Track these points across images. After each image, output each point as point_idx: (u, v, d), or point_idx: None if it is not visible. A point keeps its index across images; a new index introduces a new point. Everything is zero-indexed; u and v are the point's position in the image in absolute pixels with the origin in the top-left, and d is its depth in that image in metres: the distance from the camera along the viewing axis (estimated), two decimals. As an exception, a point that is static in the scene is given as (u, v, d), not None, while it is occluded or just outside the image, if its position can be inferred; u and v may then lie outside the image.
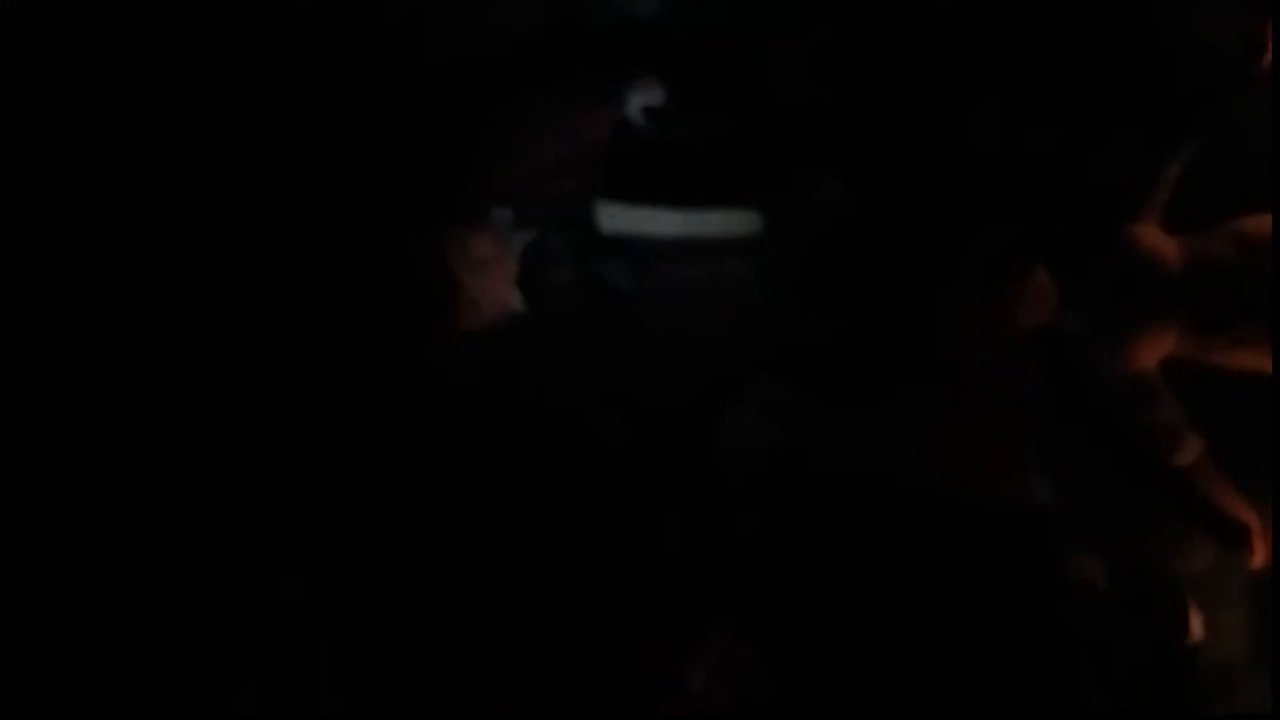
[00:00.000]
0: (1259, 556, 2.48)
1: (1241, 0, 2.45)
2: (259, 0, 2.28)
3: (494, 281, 2.21)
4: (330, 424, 2.25)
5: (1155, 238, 2.43)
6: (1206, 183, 2.45)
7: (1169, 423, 2.44)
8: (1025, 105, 2.59)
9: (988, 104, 2.60)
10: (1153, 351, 2.44)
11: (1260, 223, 2.40)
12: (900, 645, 2.40)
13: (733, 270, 2.62)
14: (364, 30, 2.39)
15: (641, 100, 2.49)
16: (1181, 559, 2.54)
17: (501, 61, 2.48)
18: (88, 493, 2.17)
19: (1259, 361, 2.39)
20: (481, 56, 2.46)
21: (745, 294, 2.64)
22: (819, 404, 2.63)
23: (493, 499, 2.34)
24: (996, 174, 2.61)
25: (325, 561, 2.29)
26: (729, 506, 2.55)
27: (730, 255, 2.61)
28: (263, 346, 2.22)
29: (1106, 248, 2.44)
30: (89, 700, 2.08)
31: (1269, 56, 2.38)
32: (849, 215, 2.65)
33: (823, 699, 2.35)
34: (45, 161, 2.20)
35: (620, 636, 2.33)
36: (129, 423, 2.18)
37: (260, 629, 2.22)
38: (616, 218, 2.63)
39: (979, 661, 2.37)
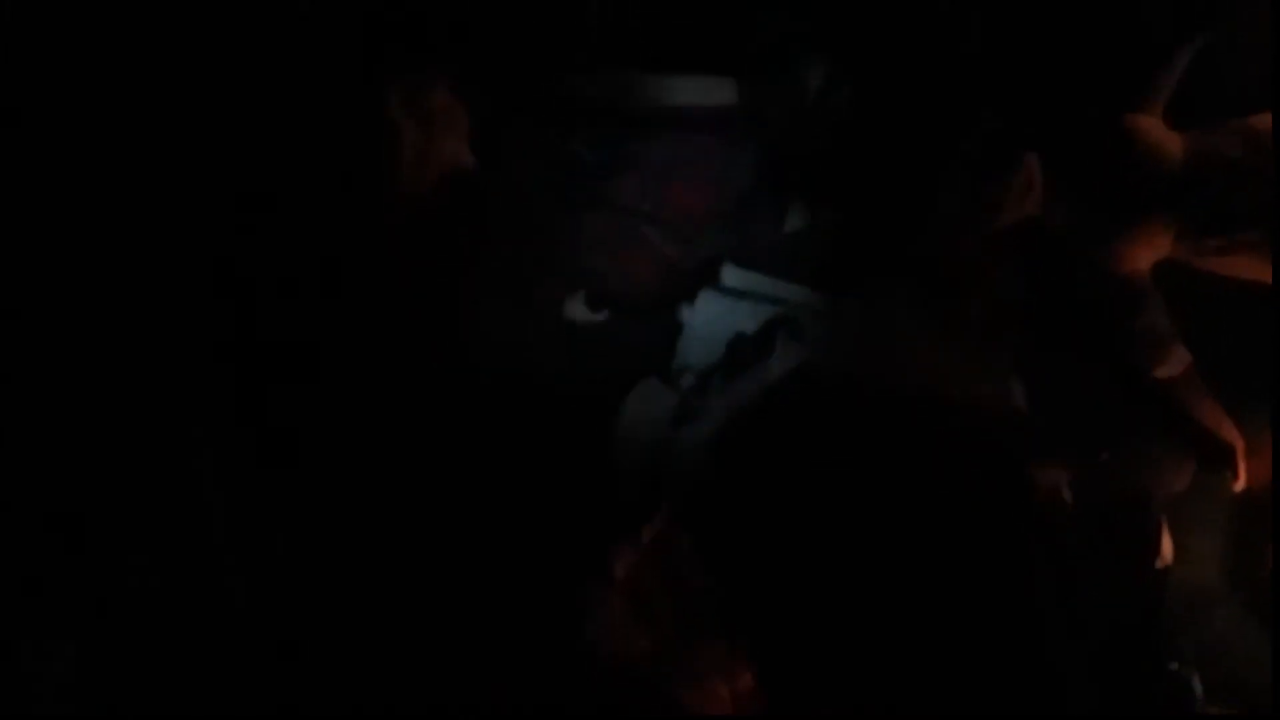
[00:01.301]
0: (1241, 479, 2.34)
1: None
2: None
3: (441, 136, 2.00)
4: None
5: (1157, 131, 2.28)
6: (1213, 77, 2.29)
7: (1156, 331, 2.30)
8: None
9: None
10: (1146, 253, 2.30)
11: (1268, 120, 2.23)
12: (851, 544, 2.26)
13: (704, 145, 2.45)
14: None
15: None
16: (1159, 478, 2.40)
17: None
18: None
19: (1257, 269, 2.24)
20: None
21: (717, 173, 2.48)
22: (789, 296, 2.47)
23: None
24: (990, 62, 2.43)
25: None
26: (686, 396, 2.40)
27: (704, 129, 2.45)
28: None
29: (1104, 139, 2.27)
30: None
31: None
32: (834, 99, 2.48)
33: (766, 594, 2.22)
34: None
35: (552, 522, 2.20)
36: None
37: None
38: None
39: (932, 565, 2.23)
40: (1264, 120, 2.24)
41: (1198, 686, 2.36)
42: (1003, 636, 2.24)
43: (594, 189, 2.48)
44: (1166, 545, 2.34)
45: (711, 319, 2.46)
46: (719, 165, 2.47)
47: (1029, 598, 2.24)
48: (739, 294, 2.47)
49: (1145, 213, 2.27)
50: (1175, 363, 2.31)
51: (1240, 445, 2.34)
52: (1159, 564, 2.33)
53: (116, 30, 2.07)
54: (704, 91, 2.45)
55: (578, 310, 2.39)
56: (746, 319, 2.42)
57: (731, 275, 2.47)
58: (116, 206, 2.08)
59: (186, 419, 2.08)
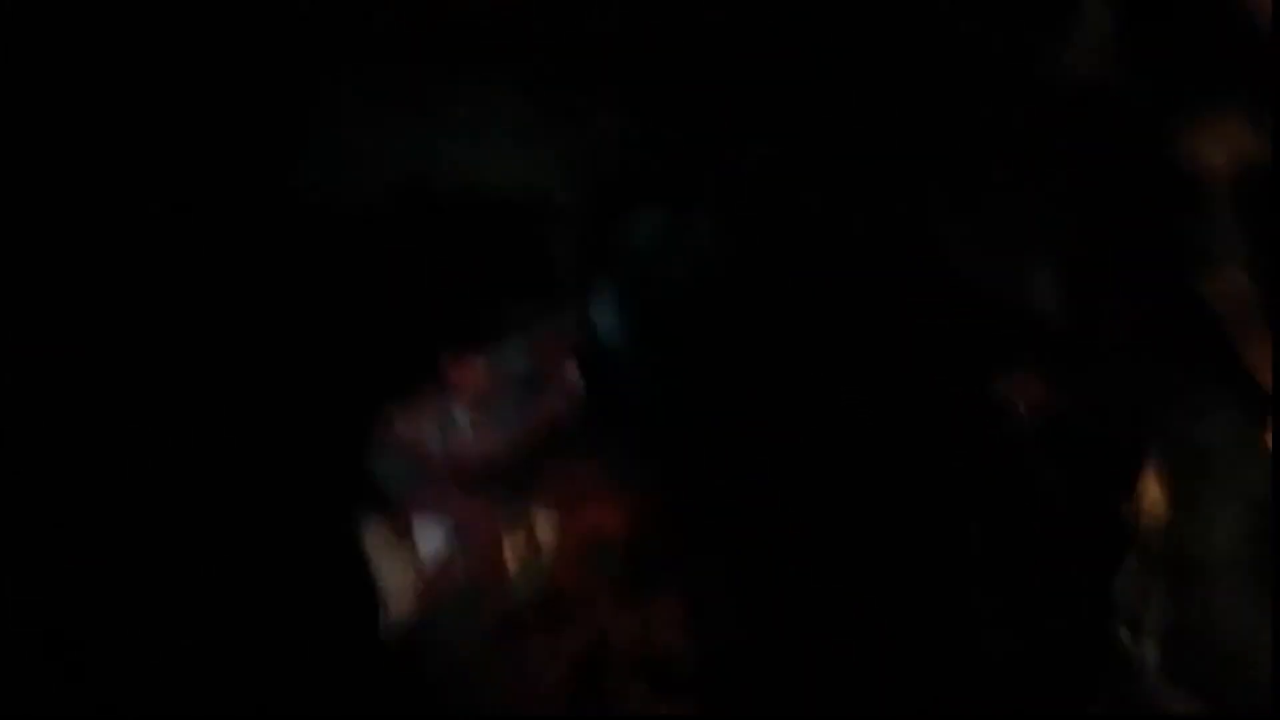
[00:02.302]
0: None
1: None
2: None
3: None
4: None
5: None
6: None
7: (1211, 239, 1.88)
8: None
9: None
10: (1220, 146, 1.86)
11: None
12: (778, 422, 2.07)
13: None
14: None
15: None
16: (1180, 416, 2.01)
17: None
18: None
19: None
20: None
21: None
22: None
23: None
24: None
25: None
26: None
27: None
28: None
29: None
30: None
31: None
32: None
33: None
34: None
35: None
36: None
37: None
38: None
39: (855, 454, 2.02)
40: None
41: (1149, 660, 2.03)
42: (916, 545, 2.03)
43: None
44: (1152, 493, 1.97)
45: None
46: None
47: (950, 509, 1.99)
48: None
49: (1227, 93, 1.82)
50: (1227, 286, 1.89)
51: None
52: (1131, 512, 1.97)
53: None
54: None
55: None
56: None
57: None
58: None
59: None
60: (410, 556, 1.91)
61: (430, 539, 1.94)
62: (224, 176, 2.08)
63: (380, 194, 2.11)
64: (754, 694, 2.12)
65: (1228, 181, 1.86)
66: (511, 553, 1.99)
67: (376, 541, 1.89)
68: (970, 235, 2.01)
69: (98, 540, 1.88)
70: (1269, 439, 1.95)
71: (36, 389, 1.93)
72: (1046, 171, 2.01)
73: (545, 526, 2.04)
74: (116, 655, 1.85)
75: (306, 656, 1.84)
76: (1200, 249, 1.90)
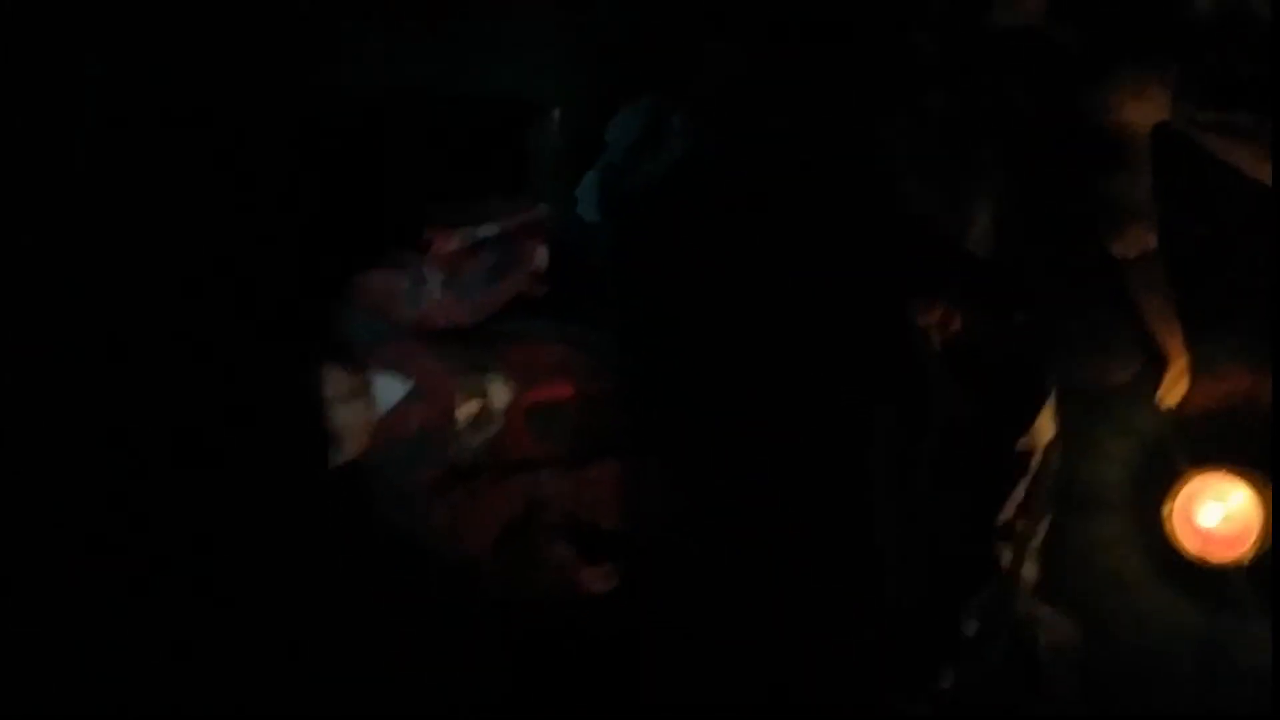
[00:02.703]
0: (1166, 397, 2.07)
1: None
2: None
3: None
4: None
5: None
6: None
7: (1126, 199, 2.02)
8: None
9: None
10: (1140, 105, 1.99)
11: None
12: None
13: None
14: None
15: None
16: (1095, 360, 2.15)
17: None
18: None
19: (1251, 162, 1.88)
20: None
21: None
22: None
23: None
24: None
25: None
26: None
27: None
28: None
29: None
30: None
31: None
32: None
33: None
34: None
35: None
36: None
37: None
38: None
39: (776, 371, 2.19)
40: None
41: (1027, 579, 2.20)
42: (827, 440, 2.20)
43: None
44: (1045, 426, 2.12)
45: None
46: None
47: (859, 414, 2.16)
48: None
49: (1148, 57, 1.93)
50: (1133, 243, 2.02)
51: (1180, 359, 2.05)
52: (1026, 443, 2.13)
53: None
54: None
55: None
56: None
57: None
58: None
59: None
60: (366, 404, 2.11)
61: (388, 390, 2.14)
62: (255, 69, 2.31)
63: (395, 90, 2.33)
64: (671, 567, 2.34)
65: (1145, 142, 1.97)
66: (463, 413, 2.19)
67: (336, 388, 2.08)
68: (918, 170, 2.14)
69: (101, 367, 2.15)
70: (1162, 385, 2.09)
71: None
72: (991, 118, 2.14)
73: (500, 394, 2.24)
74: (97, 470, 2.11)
75: (261, 484, 2.07)
76: (1116, 205, 2.02)
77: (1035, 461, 2.14)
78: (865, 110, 2.18)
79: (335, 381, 2.07)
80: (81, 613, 2.03)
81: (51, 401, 2.07)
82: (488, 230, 2.28)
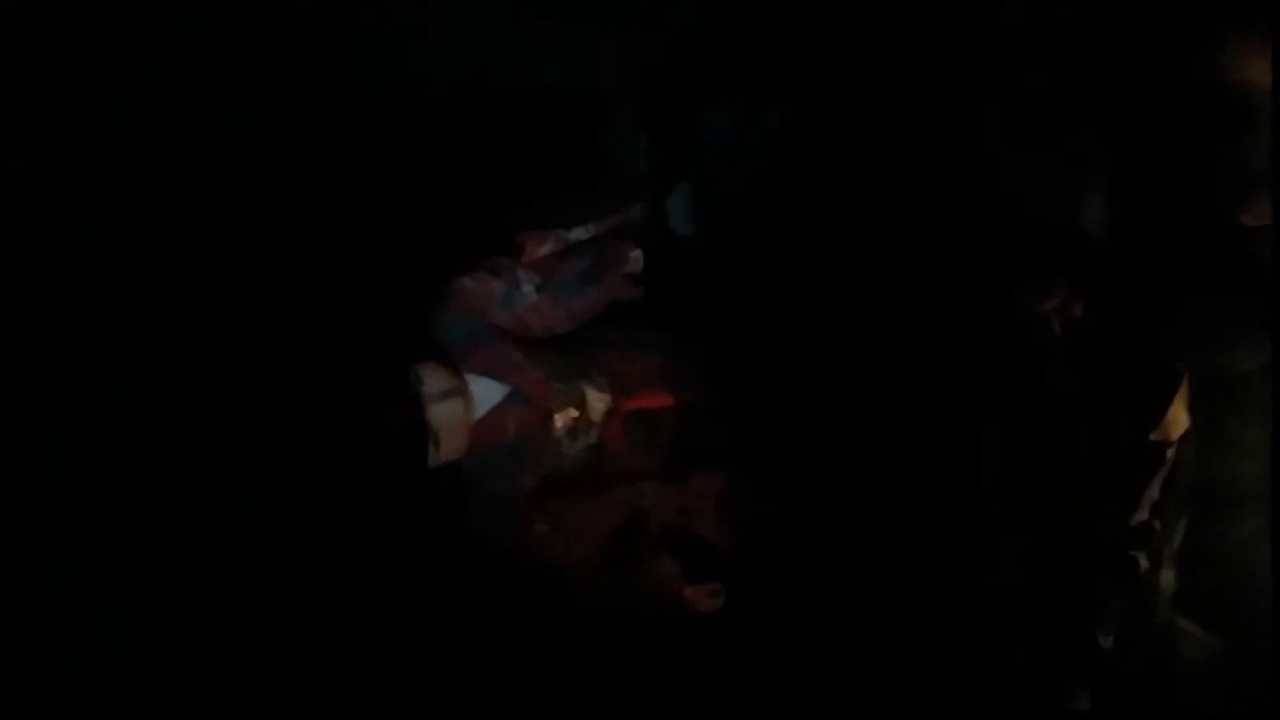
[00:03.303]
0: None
1: None
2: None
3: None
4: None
5: None
6: None
7: (1254, 165, 1.92)
8: None
9: None
10: (1267, 64, 1.89)
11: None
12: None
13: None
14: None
15: None
16: (1219, 345, 2.05)
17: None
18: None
19: None
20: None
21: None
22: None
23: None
24: None
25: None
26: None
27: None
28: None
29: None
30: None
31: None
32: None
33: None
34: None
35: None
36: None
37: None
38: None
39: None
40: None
41: (1166, 588, 2.06)
42: (940, 449, 2.10)
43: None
44: (1178, 416, 2.00)
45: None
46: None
47: (975, 415, 2.06)
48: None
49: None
50: (1260, 211, 1.93)
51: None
52: (1159, 438, 2.01)
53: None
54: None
55: None
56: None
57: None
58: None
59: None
60: (464, 404, 2.05)
61: (485, 392, 2.08)
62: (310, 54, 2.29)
63: (459, 83, 2.30)
64: (777, 581, 2.22)
65: (1266, 101, 1.88)
66: (561, 420, 2.12)
67: (433, 386, 2.02)
68: (1026, 151, 2.07)
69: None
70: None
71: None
72: (1102, 94, 2.07)
73: (598, 402, 2.17)
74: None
75: (361, 481, 2.00)
76: (1242, 171, 1.93)
77: (1170, 455, 2.02)
78: (966, 93, 2.12)
79: (432, 379, 2.01)
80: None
81: (148, 396, 2.01)
82: (580, 233, 2.24)
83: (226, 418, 2.00)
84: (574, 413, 2.13)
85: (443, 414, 2.01)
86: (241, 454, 1.98)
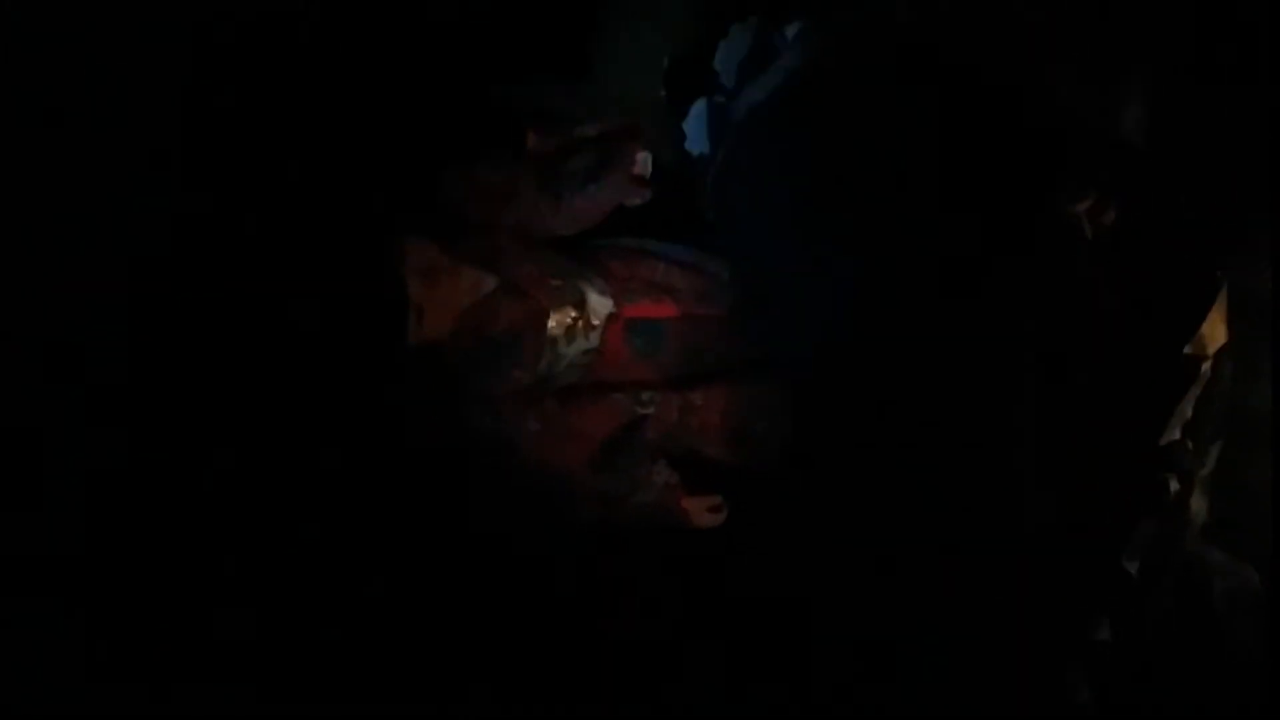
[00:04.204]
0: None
1: None
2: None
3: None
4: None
5: None
6: None
7: None
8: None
9: None
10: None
11: None
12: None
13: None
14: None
15: None
16: (1247, 260, 1.93)
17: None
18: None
19: None
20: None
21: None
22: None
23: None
24: None
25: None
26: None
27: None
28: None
29: None
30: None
31: None
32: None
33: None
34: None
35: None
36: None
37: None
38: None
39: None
40: None
41: (1197, 515, 1.93)
42: (968, 354, 1.97)
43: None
44: (1215, 329, 1.88)
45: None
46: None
47: (1008, 323, 1.94)
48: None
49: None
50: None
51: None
52: (1194, 350, 1.88)
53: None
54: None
55: None
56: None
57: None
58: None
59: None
60: (450, 285, 1.93)
61: (475, 280, 1.96)
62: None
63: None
64: (777, 498, 2.09)
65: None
66: (558, 319, 2.00)
67: (417, 261, 1.89)
68: (1063, 54, 1.97)
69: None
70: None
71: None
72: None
73: (599, 305, 2.06)
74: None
75: (339, 353, 1.88)
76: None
77: (1204, 371, 1.89)
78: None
79: (416, 255, 1.89)
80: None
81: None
82: (586, 130, 2.13)
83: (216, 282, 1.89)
84: (572, 313, 2.01)
85: (425, 290, 1.89)
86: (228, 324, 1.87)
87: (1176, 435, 1.90)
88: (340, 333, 1.84)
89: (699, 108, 2.38)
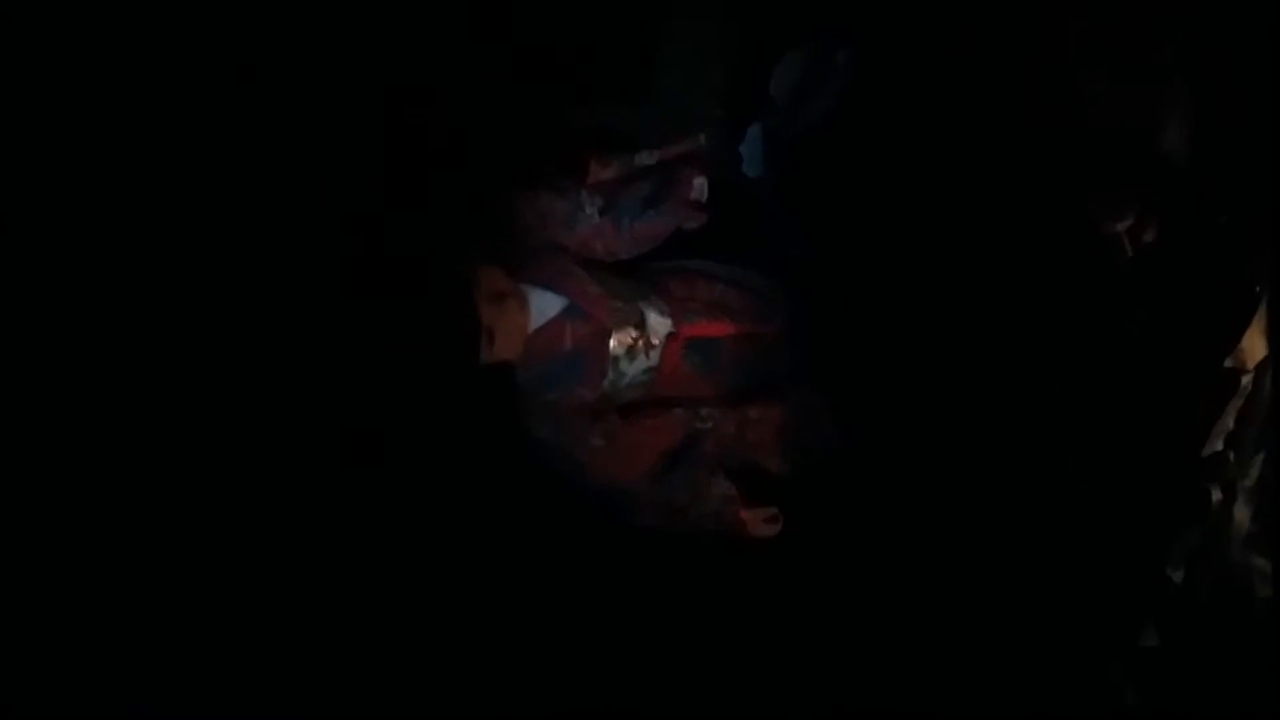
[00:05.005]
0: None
1: None
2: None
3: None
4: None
5: None
6: None
7: None
8: None
9: None
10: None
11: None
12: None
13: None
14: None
15: None
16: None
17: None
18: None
19: None
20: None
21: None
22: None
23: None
24: None
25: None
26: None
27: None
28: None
29: None
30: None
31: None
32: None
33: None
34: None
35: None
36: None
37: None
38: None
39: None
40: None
41: (1240, 526, 1.98)
42: (1004, 368, 2.05)
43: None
44: (1255, 342, 1.92)
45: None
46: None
47: (1041, 335, 2.01)
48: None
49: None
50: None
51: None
52: (1235, 363, 1.93)
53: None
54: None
55: None
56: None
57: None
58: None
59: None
60: (520, 309, 2.04)
61: (543, 302, 2.08)
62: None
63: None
64: (832, 512, 2.18)
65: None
66: (619, 339, 2.11)
67: (490, 287, 2.00)
68: (1106, 76, 2.02)
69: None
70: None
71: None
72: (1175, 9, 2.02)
73: (658, 325, 2.16)
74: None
75: (414, 374, 2.01)
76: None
77: (1245, 383, 1.94)
78: (1040, 12, 2.08)
79: (488, 281, 2.01)
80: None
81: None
82: (645, 159, 2.24)
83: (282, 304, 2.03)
84: (633, 333, 2.12)
85: (496, 314, 2.00)
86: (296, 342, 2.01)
87: (1219, 447, 1.95)
88: (419, 356, 1.97)
89: (754, 131, 2.48)
